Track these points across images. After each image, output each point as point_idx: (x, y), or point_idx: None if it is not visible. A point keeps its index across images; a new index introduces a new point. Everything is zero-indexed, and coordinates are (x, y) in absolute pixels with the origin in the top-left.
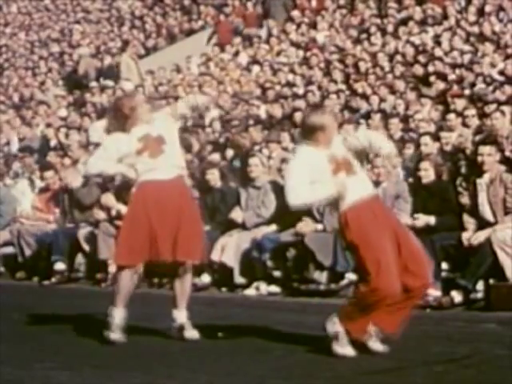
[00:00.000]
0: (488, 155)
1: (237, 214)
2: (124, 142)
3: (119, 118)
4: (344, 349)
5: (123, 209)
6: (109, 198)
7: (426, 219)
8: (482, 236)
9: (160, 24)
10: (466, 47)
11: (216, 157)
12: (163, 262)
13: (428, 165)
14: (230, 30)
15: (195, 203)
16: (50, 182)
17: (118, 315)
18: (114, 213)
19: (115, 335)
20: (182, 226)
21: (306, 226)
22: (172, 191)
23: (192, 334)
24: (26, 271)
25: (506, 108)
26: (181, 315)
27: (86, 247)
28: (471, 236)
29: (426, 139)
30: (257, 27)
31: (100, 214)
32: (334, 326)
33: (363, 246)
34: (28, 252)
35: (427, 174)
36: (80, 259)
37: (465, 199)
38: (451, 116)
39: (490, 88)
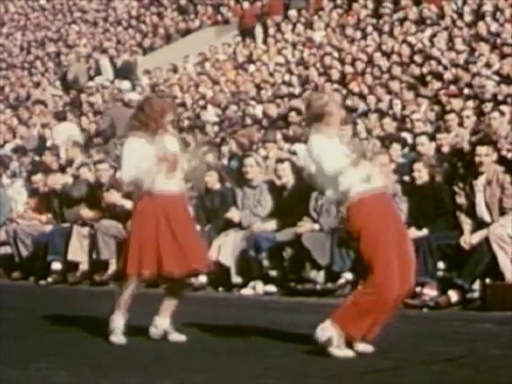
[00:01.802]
0: (485, 155)
1: (233, 214)
2: (147, 148)
3: (145, 119)
4: (343, 351)
5: (128, 204)
6: (113, 195)
7: (417, 233)
8: (476, 238)
9: (156, 24)
10: (463, 47)
11: (211, 157)
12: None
13: (421, 166)
14: (254, 16)
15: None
16: (40, 185)
17: (120, 320)
18: (117, 209)
19: (117, 338)
20: (190, 238)
21: (305, 226)
22: (179, 205)
23: (177, 337)
24: (23, 271)
25: (505, 108)
26: (164, 322)
27: (85, 245)
28: (467, 238)
29: (422, 139)
30: (281, 15)
31: (87, 213)
32: (325, 331)
33: (373, 243)
34: (24, 252)
35: (420, 175)
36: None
37: (461, 199)
38: (451, 116)
39: (487, 87)
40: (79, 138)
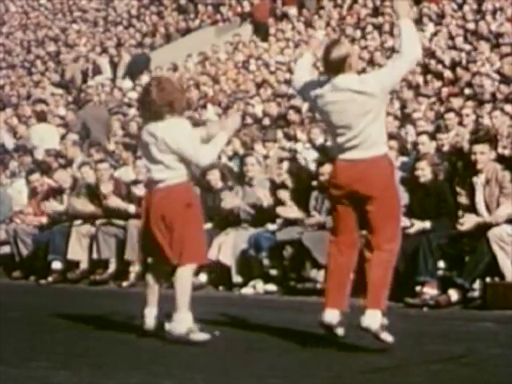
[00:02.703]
0: (481, 153)
1: (227, 202)
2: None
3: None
4: (389, 336)
5: (131, 207)
6: (115, 201)
7: (421, 225)
8: (471, 221)
9: (156, 23)
10: (463, 46)
11: None
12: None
13: (425, 164)
14: (268, 9)
15: None
16: (37, 185)
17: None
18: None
19: (199, 336)
20: None
21: (285, 210)
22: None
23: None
24: (23, 270)
25: (508, 107)
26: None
27: (85, 244)
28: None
29: (423, 138)
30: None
31: (86, 206)
32: (377, 319)
33: (399, 205)
34: (25, 251)
35: (424, 173)
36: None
37: (462, 199)
38: (450, 115)
39: (486, 86)
40: (56, 139)
